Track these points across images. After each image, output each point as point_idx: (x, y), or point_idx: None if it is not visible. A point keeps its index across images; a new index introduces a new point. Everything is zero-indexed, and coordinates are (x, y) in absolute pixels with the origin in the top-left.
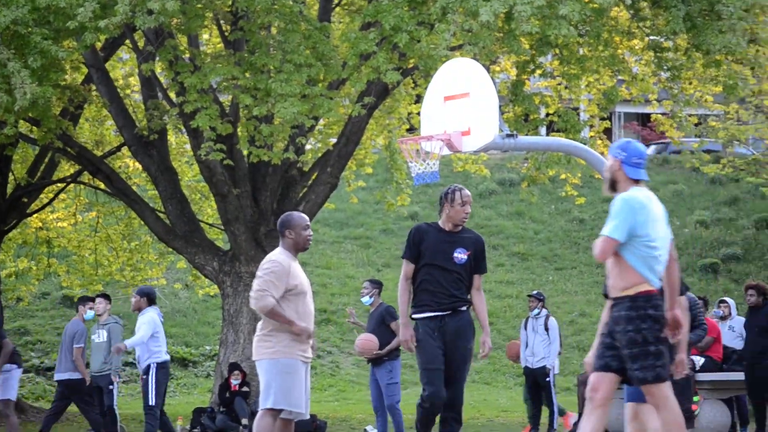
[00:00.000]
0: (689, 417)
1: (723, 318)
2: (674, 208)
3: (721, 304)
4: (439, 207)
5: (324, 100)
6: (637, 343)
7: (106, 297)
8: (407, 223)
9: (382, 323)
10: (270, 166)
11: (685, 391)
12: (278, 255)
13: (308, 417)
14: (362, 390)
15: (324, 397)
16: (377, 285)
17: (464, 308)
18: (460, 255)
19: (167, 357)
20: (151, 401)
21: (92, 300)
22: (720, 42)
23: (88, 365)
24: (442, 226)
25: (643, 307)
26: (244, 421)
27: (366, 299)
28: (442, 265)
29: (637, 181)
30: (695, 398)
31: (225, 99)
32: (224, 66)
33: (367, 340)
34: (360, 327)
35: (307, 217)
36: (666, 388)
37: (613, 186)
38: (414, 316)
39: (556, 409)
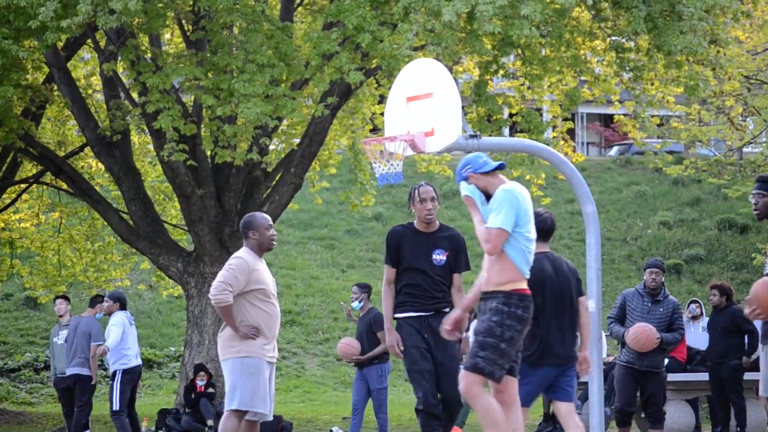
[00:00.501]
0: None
1: (695, 318)
2: (637, 209)
3: (692, 304)
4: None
5: (287, 101)
6: (494, 335)
7: (66, 299)
8: (371, 224)
9: (370, 329)
10: (233, 167)
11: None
12: (243, 253)
13: (272, 418)
14: (327, 391)
15: (289, 398)
16: (366, 289)
17: (447, 309)
18: (439, 256)
19: (137, 362)
20: (115, 406)
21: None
22: (681, 43)
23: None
24: (417, 227)
25: (515, 305)
26: (210, 422)
27: (356, 304)
28: (422, 269)
29: (497, 172)
30: None
31: (188, 99)
32: (186, 66)
33: (348, 345)
34: (355, 321)
35: (269, 218)
36: (482, 388)
37: (489, 198)
38: (396, 315)
39: None
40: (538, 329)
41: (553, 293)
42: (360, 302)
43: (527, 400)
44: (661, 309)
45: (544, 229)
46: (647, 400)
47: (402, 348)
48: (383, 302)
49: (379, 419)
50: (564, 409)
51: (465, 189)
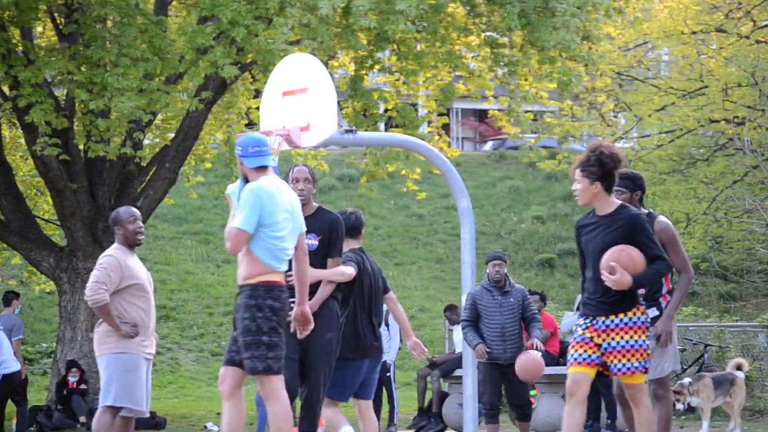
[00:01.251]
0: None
1: None
2: (511, 204)
3: None
4: None
5: (161, 95)
6: (251, 332)
7: None
8: None
9: None
10: (107, 161)
11: (523, 385)
12: (114, 250)
13: (148, 414)
14: (202, 386)
15: (163, 394)
16: None
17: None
18: (311, 241)
19: (14, 368)
20: None
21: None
22: (554, 39)
23: None
24: None
25: (261, 297)
26: (82, 418)
27: None
28: None
29: (263, 169)
30: (533, 392)
31: (60, 93)
32: (59, 60)
33: None
34: None
35: (135, 210)
36: (277, 382)
37: (248, 182)
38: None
39: (396, 404)
40: (352, 323)
41: (368, 288)
42: None
43: (345, 395)
44: (511, 299)
45: (349, 227)
46: (513, 394)
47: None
48: None
49: (259, 412)
50: (363, 405)
51: (229, 189)
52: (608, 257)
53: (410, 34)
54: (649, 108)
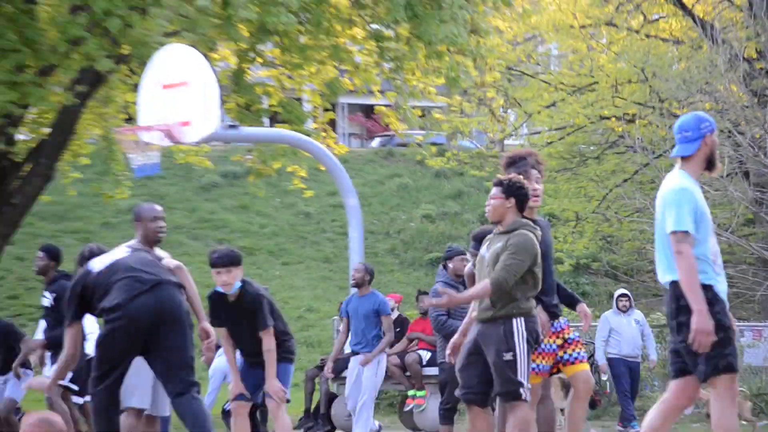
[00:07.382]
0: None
1: (624, 311)
2: (400, 202)
3: (622, 298)
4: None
5: (34, 88)
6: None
7: None
8: (127, 216)
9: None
10: None
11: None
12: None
13: (167, 413)
14: None
15: None
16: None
17: None
18: None
19: None
20: None
21: None
22: (441, 32)
23: None
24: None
25: None
26: None
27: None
28: None
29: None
30: (422, 393)
31: None
32: None
33: None
34: None
35: (158, 208)
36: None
37: None
38: None
39: None
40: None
41: None
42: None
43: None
44: None
45: None
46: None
47: None
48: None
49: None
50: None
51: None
52: None
53: (293, 27)
54: (539, 104)
